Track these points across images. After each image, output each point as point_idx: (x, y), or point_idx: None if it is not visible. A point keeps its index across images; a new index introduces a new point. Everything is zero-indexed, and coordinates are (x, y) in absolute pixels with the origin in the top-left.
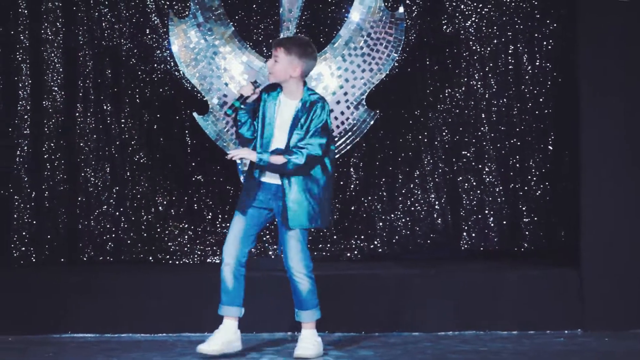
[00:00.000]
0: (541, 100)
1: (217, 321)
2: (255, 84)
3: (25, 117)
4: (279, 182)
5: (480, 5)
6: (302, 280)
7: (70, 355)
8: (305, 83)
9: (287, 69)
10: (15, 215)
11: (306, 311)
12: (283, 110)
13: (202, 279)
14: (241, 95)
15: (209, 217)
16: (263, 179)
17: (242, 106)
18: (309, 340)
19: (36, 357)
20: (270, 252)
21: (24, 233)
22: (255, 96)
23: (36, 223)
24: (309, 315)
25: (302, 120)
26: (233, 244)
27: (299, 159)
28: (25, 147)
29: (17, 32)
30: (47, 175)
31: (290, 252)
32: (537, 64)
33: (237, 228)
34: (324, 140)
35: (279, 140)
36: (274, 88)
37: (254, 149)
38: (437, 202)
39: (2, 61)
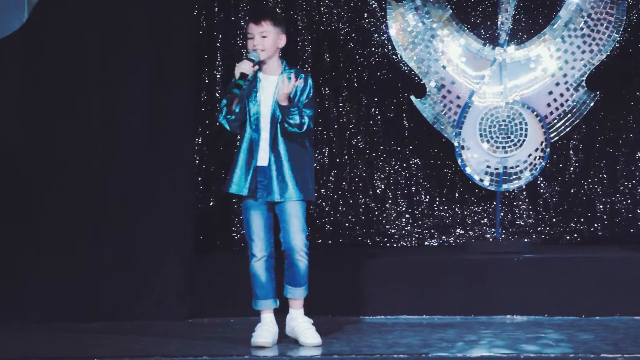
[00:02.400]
0: None
1: (432, 304)
2: (252, 60)
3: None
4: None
5: None
6: (301, 256)
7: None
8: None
9: (275, 41)
10: (235, 199)
11: (301, 287)
12: (264, 87)
13: (420, 262)
14: (242, 74)
15: (427, 200)
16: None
17: (244, 85)
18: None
19: None
20: (487, 235)
21: None
22: (252, 73)
23: None
24: (301, 292)
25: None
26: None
27: (306, 125)
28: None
29: (238, 18)
30: None
31: (292, 230)
32: None
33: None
34: (312, 113)
35: (265, 117)
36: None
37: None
38: None
39: (223, 47)
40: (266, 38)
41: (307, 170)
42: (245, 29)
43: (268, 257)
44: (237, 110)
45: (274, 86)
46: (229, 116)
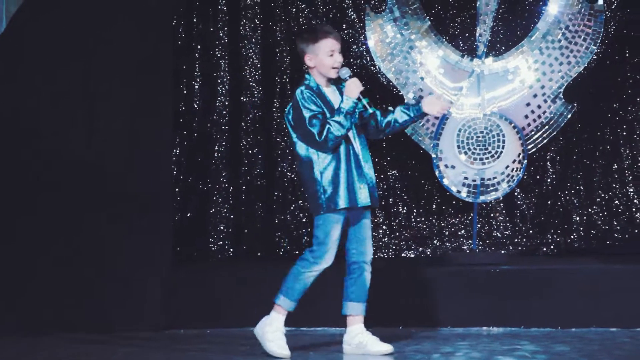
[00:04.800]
0: None
1: (411, 315)
2: (352, 77)
3: (224, 112)
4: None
5: None
6: (370, 269)
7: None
8: None
9: None
10: (213, 210)
11: (365, 303)
12: (338, 101)
13: (396, 274)
14: (361, 93)
15: (404, 211)
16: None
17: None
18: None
19: (233, 350)
20: (464, 247)
21: (221, 227)
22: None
23: (233, 217)
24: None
25: None
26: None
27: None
28: (224, 142)
29: (217, 29)
30: (244, 170)
31: (368, 241)
32: None
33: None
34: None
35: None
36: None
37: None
38: (635, 196)
39: (202, 58)
40: (340, 54)
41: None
42: (318, 42)
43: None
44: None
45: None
46: (342, 134)
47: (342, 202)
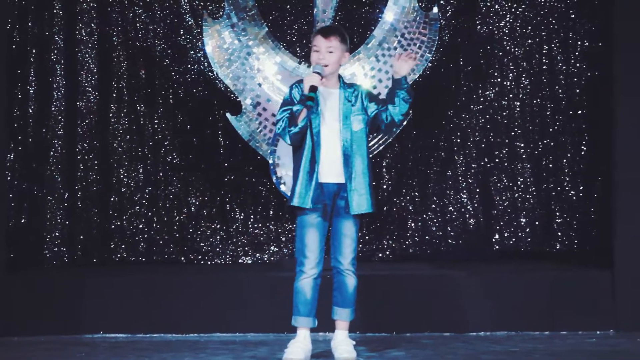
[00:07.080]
0: (575, 100)
1: (246, 322)
2: (319, 73)
3: (59, 117)
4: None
5: (515, 5)
6: (351, 276)
7: (102, 355)
8: None
9: (340, 58)
10: (48, 216)
11: (346, 309)
12: (327, 100)
13: (233, 280)
14: (312, 87)
15: (241, 217)
16: (322, 181)
17: (316, 97)
18: (348, 342)
19: (68, 357)
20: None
21: (56, 233)
22: (320, 86)
23: (69, 223)
24: (348, 314)
25: (358, 105)
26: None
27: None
28: (59, 148)
29: (52, 33)
30: (80, 176)
31: (345, 246)
32: (572, 63)
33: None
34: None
35: (332, 130)
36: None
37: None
38: (469, 203)
39: (37, 62)
40: (332, 54)
41: (370, 184)
42: (311, 40)
43: (318, 276)
44: (302, 124)
45: (340, 99)
46: (293, 129)
47: (295, 200)
